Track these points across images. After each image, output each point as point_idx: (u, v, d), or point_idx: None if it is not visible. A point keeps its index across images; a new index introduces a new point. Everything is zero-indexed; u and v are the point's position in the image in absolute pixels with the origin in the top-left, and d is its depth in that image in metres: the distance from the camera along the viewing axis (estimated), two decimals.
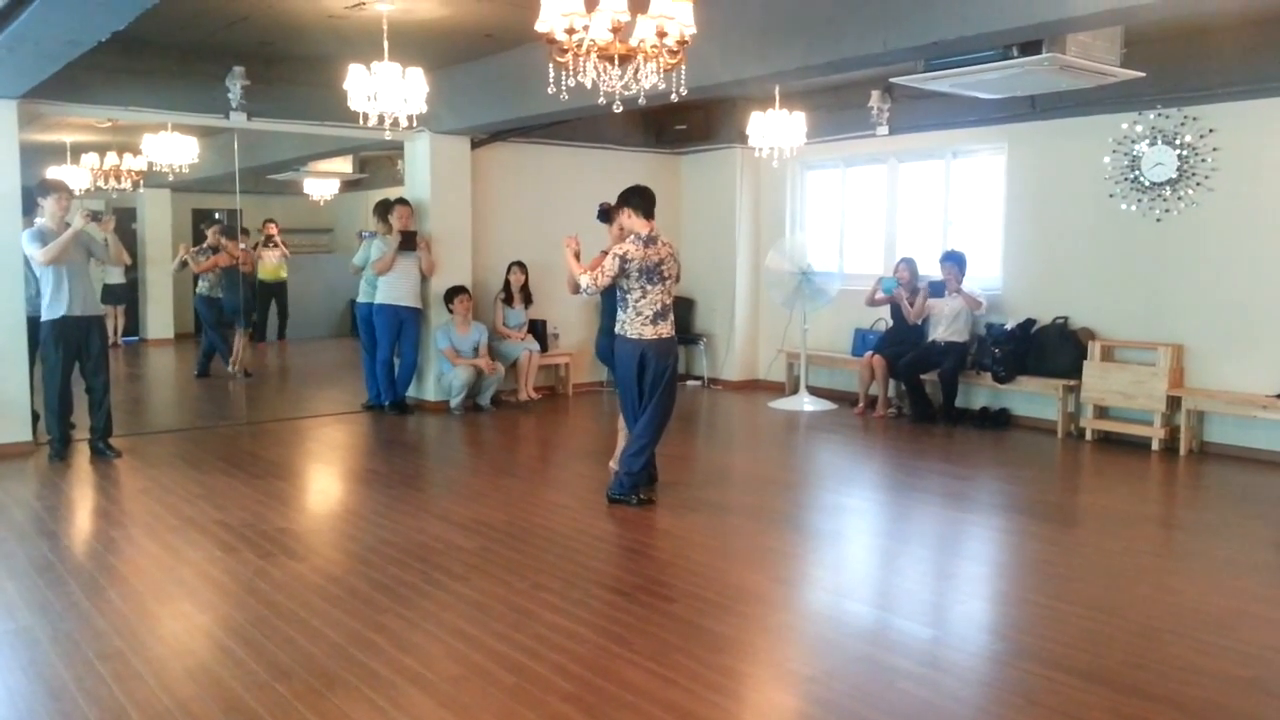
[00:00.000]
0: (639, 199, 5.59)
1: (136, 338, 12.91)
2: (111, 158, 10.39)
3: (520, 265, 9.14)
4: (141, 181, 10.69)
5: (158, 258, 12.57)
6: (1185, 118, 7.19)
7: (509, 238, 9.42)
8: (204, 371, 10.53)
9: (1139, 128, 7.44)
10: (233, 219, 10.70)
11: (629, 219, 5.58)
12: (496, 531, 5.17)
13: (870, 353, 8.76)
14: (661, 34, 4.21)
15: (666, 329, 5.61)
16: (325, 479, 6.94)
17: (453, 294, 8.70)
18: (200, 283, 10.49)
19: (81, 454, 6.95)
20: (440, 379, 8.83)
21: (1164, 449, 7.23)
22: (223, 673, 3.46)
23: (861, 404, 8.83)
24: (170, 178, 9.38)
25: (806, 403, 9.08)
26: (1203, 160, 7.14)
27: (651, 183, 5.83)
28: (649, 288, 5.50)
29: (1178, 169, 7.25)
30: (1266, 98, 6.77)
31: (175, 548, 4.90)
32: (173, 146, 8.89)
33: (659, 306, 5.55)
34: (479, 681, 3.39)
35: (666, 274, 5.58)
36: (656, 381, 5.57)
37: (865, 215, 9.73)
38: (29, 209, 6.96)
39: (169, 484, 6.20)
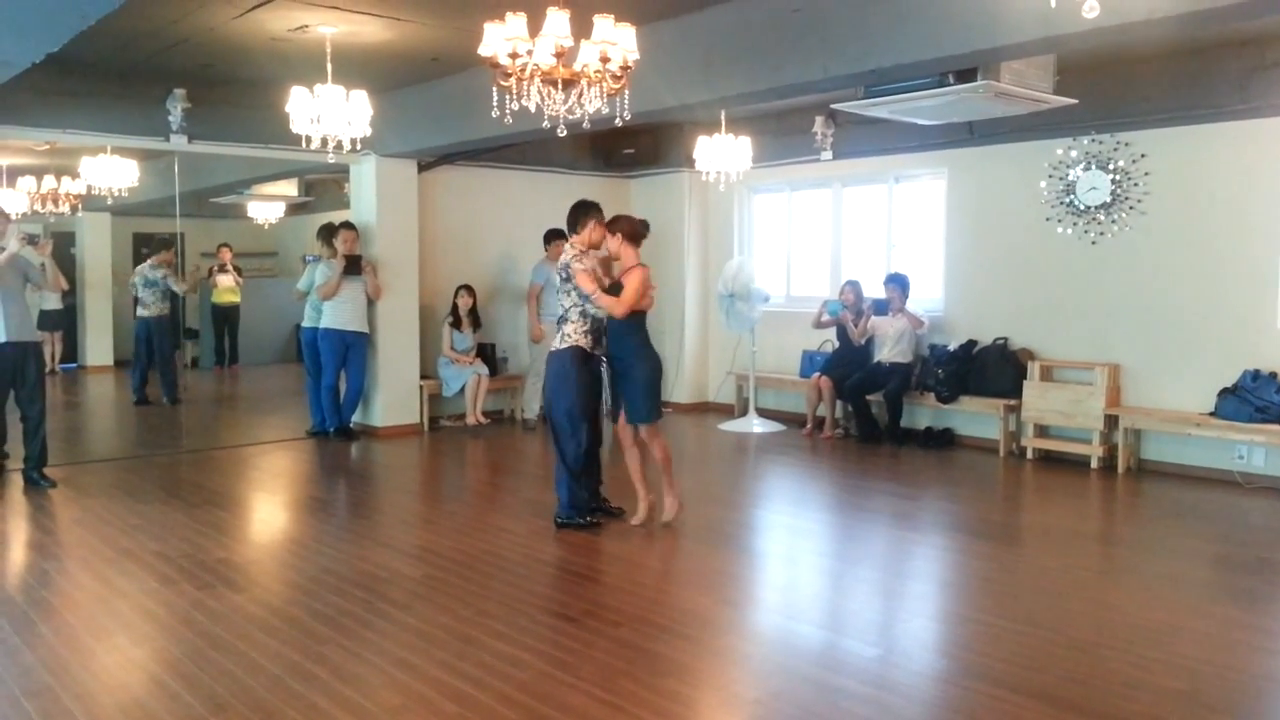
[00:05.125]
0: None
1: (75, 364, 12.62)
2: (49, 181, 10.17)
3: (468, 288, 9.09)
4: (80, 205, 10.48)
5: (97, 283, 12.32)
6: (1118, 143, 7.39)
7: (457, 261, 9.38)
8: (142, 399, 10.31)
9: (1073, 153, 7.63)
10: (175, 242, 10.52)
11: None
12: (442, 559, 5.12)
13: (817, 374, 8.84)
14: (605, 59, 4.26)
15: (600, 351, 5.70)
16: (267, 508, 6.81)
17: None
18: (140, 309, 10.28)
19: (15, 484, 6.76)
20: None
21: (1102, 467, 7.37)
22: (157, 707, 3.37)
23: (809, 425, 8.89)
24: (110, 201, 9.21)
25: (756, 424, 9.13)
26: (1135, 185, 7.33)
27: (601, 205, 5.83)
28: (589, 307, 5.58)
29: (1111, 193, 7.44)
30: (1195, 124, 6.97)
31: (110, 580, 4.77)
32: (112, 169, 8.73)
33: (602, 325, 5.64)
34: (421, 711, 3.34)
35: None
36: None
37: (811, 238, 9.84)
38: None
39: (105, 514, 6.05)
